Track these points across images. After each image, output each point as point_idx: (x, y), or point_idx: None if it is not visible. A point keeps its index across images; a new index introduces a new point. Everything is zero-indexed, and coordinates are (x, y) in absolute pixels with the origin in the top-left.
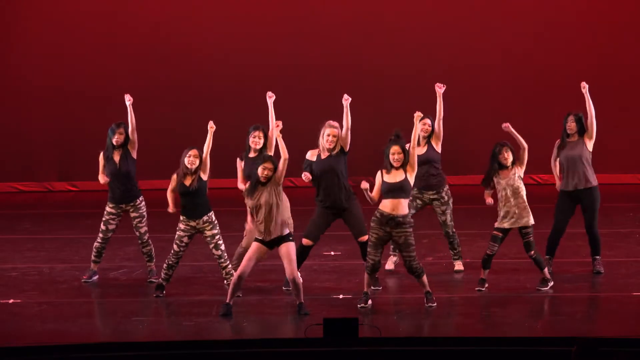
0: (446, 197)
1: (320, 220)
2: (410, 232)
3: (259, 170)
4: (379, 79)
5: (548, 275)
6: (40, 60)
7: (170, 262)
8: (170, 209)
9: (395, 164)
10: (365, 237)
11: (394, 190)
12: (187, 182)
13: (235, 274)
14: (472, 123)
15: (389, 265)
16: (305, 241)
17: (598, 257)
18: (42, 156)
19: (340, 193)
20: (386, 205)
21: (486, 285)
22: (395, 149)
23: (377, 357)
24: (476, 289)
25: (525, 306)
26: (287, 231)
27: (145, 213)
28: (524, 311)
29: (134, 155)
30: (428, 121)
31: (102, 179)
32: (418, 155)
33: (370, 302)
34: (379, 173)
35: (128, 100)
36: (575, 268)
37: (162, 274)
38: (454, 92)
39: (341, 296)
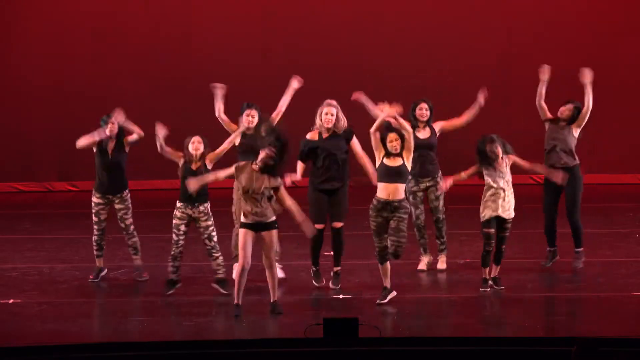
0: (440, 182)
1: (319, 202)
2: (405, 217)
3: (263, 155)
4: (379, 79)
5: (488, 275)
6: (40, 60)
7: (173, 254)
8: (160, 131)
9: (394, 151)
10: (339, 224)
11: (391, 175)
12: (194, 167)
13: (237, 269)
14: (472, 123)
15: (422, 265)
16: (317, 226)
17: (579, 249)
18: (42, 156)
19: (337, 173)
20: (382, 191)
21: (490, 284)
22: (392, 136)
23: (377, 357)
24: (480, 289)
25: (526, 306)
26: (274, 217)
27: (130, 205)
28: (524, 311)
29: (127, 149)
30: (425, 105)
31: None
32: (420, 139)
33: (393, 294)
34: (381, 148)
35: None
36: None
37: (169, 268)
38: (453, 92)
39: (341, 296)
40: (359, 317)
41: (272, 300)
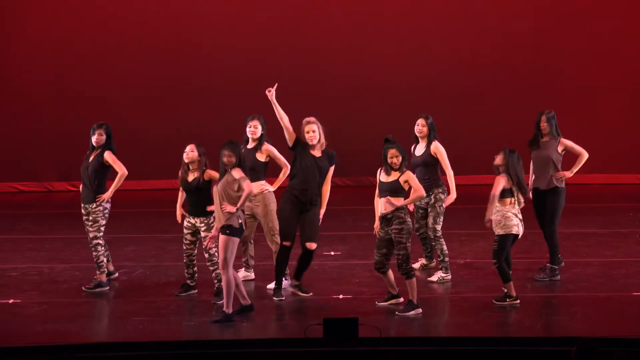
0: (433, 200)
1: (292, 216)
2: (399, 228)
3: (224, 158)
4: (378, 78)
5: (513, 293)
6: (40, 60)
7: (185, 261)
8: (178, 217)
9: (393, 167)
10: (313, 245)
11: (382, 190)
12: (189, 178)
13: None
14: (472, 123)
15: (415, 264)
16: (286, 243)
17: (549, 265)
18: (42, 156)
19: (316, 191)
20: (381, 205)
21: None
22: (392, 152)
23: (377, 357)
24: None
25: (526, 306)
26: (227, 222)
27: (98, 219)
28: (524, 311)
29: (108, 162)
30: (421, 121)
31: None
32: (416, 156)
33: (388, 303)
34: (378, 171)
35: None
36: (575, 268)
37: (185, 273)
38: (453, 92)
39: (341, 296)
40: (359, 317)
41: (222, 309)
